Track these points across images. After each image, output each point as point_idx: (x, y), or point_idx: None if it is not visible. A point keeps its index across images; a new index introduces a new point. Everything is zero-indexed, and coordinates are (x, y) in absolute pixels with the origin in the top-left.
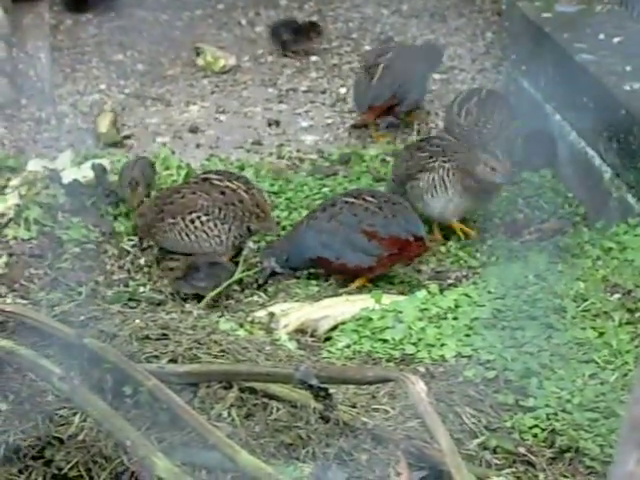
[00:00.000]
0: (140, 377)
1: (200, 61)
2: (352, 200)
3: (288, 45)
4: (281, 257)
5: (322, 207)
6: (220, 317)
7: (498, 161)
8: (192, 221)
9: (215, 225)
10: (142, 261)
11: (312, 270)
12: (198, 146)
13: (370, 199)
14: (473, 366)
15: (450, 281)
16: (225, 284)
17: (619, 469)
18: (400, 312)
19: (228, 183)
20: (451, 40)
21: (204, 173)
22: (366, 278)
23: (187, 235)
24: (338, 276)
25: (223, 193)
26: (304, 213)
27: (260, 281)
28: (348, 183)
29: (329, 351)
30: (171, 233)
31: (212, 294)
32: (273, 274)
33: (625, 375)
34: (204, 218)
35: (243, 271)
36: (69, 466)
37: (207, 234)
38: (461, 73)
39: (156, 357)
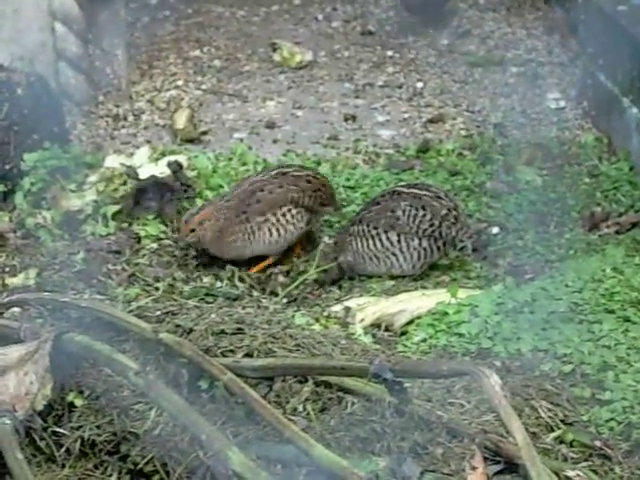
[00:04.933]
0: (215, 371)
1: (277, 57)
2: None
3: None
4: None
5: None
6: (296, 312)
7: None
8: (284, 215)
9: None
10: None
11: None
12: (275, 142)
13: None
14: (550, 360)
15: (527, 275)
16: (300, 279)
17: None
18: (476, 306)
19: (307, 172)
20: (528, 33)
21: (273, 169)
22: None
23: (277, 230)
24: None
25: (309, 182)
26: None
27: (335, 277)
28: (424, 177)
29: (405, 345)
30: (260, 232)
31: (289, 289)
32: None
33: None
34: (294, 211)
35: (318, 266)
36: (144, 461)
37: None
38: (539, 66)
39: (231, 351)
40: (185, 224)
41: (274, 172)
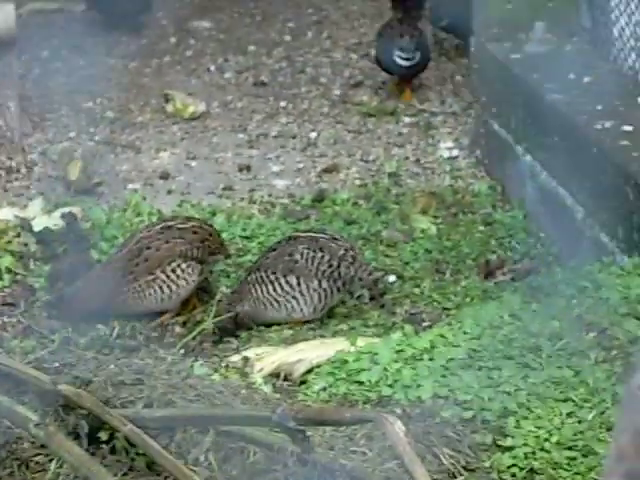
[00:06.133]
0: (116, 422)
1: (170, 108)
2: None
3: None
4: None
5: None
6: (194, 362)
7: None
8: (173, 270)
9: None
10: None
11: None
12: (169, 192)
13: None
14: (450, 406)
15: (425, 323)
16: (198, 330)
17: None
18: (376, 354)
19: (192, 223)
20: (420, 83)
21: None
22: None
23: (169, 287)
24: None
25: (196, 233)
26: None
27: (233, 327)
28: (319, 226)
29: (305, 394)
30: (150, 290)
31: (186, 339)
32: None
33: (603, 413)
34: (184, 265)
35: (215, 317)
36: None
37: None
38: (431, 117)
39: (131, 402)
40: None
41: (159, 227)
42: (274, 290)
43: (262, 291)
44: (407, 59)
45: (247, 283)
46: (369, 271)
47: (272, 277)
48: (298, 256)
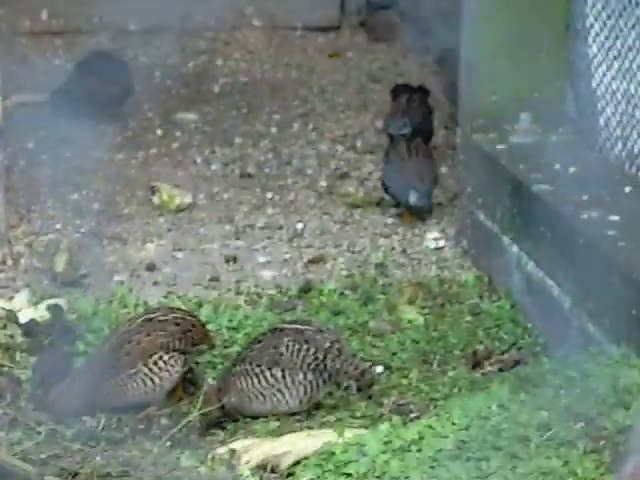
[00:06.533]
0: None
1: (156, 199)
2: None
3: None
4: None
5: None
6: (181, 454)
7: None
8: (155, 363)
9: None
10: None
11: None
12: (155, 284)
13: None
14: None
15: (413, 414)
16: (184, 422)
17: None
18: (363, 445)
19: (174, 314)
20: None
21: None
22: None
23: (152, 380)
24: None
25: (178, 324)
26: None
27: (219, 419)
28: (307, 317)
29: None
30: (134, 383)
31: (173, 431)
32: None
33: None
34: (166, 357)
35: (201, 408)
36: None
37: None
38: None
39: None
40: None
41: (140, 320)
42: (259, 383)
43: (247, 384)
44: (421, 203)
45: (232, 375)
46: (355, 365)
47: (257, 370)
48: (283, 348)
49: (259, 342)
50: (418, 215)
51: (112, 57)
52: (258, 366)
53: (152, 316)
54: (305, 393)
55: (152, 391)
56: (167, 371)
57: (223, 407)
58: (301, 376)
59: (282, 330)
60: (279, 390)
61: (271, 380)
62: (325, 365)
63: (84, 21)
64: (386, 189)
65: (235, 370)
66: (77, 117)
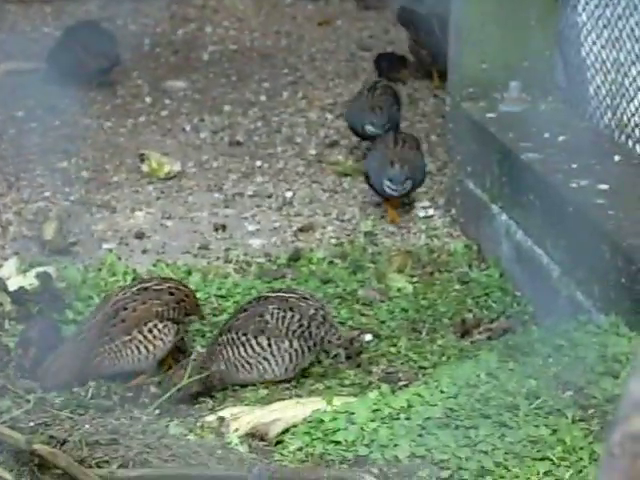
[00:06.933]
0: None
1: (145, 167)
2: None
3: (385, 72)
4: None
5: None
6: (169, 422)
7: None
8: (150, 330)
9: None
10: None
11: None
12: (144, 252)
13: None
14: (427, 466)
15: (401, 382)
16: (174, 389)
17: None
18: (352, 413)
19: (169, 284)
20: None
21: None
22: None
23: (146, 347)
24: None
25: (172, 294)
26: None
27: (207, 387)
28: (296, 285)
29: (281, 454)
30: (127, 350)
31: (162, 399)
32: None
33: (580, 472)
34: (160, 325)
35: (190, 376)
36: None
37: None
38: None
39: (107, 462)
40: None
41: (135, 288)
42: (245, 352)
43: (233, 353)
44: (396, 190)
45: (218, 345)
46: (338, 335)
47: (243, 339)
48: (268, 316)
49: (245, 311)
50: (395, 205)
51: (98, 27)
52: (244, 335)
53: (147, 285)
54: (291, 361)
55: (145, 359)
56: (161, 339)
57: (209, 376)
58: (287, 344)
59: (267, 298)
60: (265, 358)
61: (257, 348)
62: (310, 332)
63: None
64: (367, 179)
65: (221, 339)
66: (66, 86)
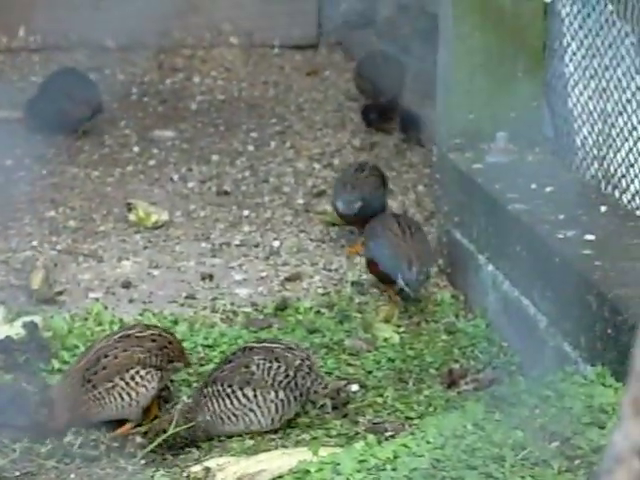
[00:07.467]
0: None
1: (132, 217)
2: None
3: (374, 123)
4: None
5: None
6: (155, 472)
7: None
8: (132, 377)
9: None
10: None
11: None
12: (131, 301)
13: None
14: None
15: (388, 432)
16: (159, 439)
17: None
18: (338, 464)
19: (151, 331)
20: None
21: (116, 333)
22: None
23: (128, 394)
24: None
25: (154, 340)
26: None
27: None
28: (283, 335)
29: None
30: (110, 397)
31: (148, 449)
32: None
33: None
34: (143, 372)
35: (177, 426)
36: None
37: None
38: None
39: None
40: None
41: (117, 336)
42: (231, 404)
43: (219, 405)
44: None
45: (203, 397)
46: (324, 385)
47: (228, 390)
48: (254, 368)
49: (229, 362)
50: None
51: (79, 74)
52: (229, 386)
53: (129, 332)
54: (277, 411)
55: (129, 406)
56: (144, 386)
57: (198, 426)
58: (272, 394)
59: (252, 349)
60: (251, 410)
61: (243, 400)
62: (296, 383)
63: (61, 38)
64: (374, 266)
65: (207, 391)
66: (51, 135)
